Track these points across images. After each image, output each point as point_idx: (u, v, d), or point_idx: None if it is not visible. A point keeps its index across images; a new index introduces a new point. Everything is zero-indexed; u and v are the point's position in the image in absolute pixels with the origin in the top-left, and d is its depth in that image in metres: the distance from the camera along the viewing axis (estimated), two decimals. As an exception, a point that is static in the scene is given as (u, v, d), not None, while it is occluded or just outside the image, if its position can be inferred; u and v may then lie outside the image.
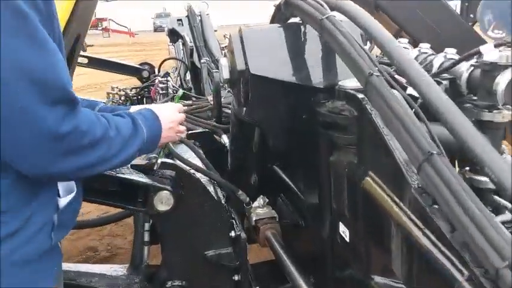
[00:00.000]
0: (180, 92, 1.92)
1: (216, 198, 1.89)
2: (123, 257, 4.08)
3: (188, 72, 4.66)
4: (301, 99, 1.68)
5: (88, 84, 12.31)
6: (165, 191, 1.67)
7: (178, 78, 4.68)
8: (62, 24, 2.38)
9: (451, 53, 1.59)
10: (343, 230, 1.52)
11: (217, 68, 4.03)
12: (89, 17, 3.35)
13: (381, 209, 1.26)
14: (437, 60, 1.58)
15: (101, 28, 36.44)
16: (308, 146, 1.74)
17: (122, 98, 4.64)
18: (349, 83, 1.49)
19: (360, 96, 1.36)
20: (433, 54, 1.70)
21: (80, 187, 1.35)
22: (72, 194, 1.31)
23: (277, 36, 1.71)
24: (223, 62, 1.79)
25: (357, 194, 1.39)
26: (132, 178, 1.65)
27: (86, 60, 4.75)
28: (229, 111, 3.25)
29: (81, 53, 5.71)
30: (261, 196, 2.19)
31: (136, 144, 1.39)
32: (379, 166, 1.30)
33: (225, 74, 1.78)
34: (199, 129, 2.83)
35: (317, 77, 1.67)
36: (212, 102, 3.18)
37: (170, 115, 1.64)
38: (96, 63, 4.88)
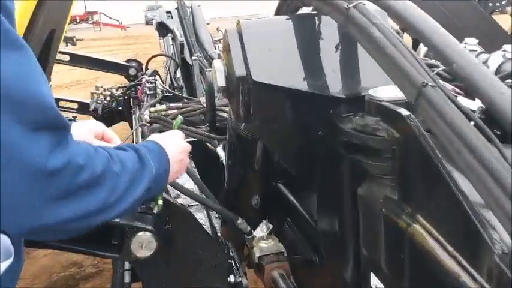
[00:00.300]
0: (179, 119, 1.57)
1: (211, 234, 1.53)
2: (111, 273, 3.74)
3: (179, 69, 4.28)
4: (317, 112, 1.32)
5: (77, 80, 11.87)
6: (146, 233, 1.30)
7: (168, 76, 4.31)
8: (25, 21, 2.06)
9: None
10: (377, 285, 1.16)
11: (210, 66, 3.68)
12: (65, 11, 3.00)
13: (438, 271, 0.91)
14: (494, 61, 1.23)
15: (91, 22, 35.84)
16: (325, 169, 1.38)
17: (107, 98, 4.27)
18: (383, 92, 1.14)
19: (404, 112, 1.00)
20: (483, 52, 1.34)
21: (20, 247, 0.99)
22: (10, 260, 0.95)
23: (285, 32, 1.35)
24: (218, 66, 1.42)
25: (399, 242, 1.03)
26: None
27: (67, 58, 4.36)
28: (225, 115, 2.91)
29: (64, 49, 5.33)
30: (264, 222, 1.84)
31: (145, 182, 1.13)
32: (434, 210, 0.95)
33: (220, 81, 1.41)
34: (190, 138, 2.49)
35: (337, 84, 1.31)
36: (205, 105, 2.84)
37: (178, 145, 1.33)
38: (79, 60, 4.49)
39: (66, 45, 9.59)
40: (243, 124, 1.41)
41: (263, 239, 1.68)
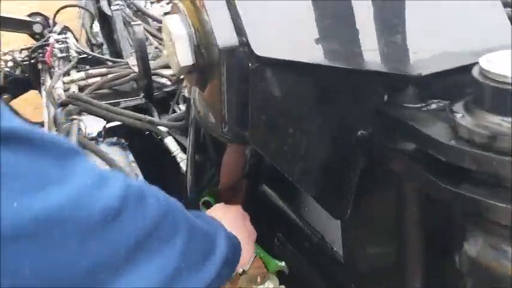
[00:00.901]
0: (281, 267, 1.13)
1: None
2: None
3: (96, 22, 3.53)
4: (358, 101, 0.77)
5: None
6: None
7: (84, 32, 3.54)
8: None
9: None
10: None
11: (136, 16, 2.98)
12: None
13: None
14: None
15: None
16: (374, 195, 0.85)
17: (9, 64, 3.49)
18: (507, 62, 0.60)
19: None
20: None
21: None
22: None
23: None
24: (177, 29, 0.80)
25: None
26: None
27: None
28: (163, 80, 2.31)
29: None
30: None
31: (222, 243, 0.88)
32: None
33: (183, 56, 0.79)
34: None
35: (394, 54, 0.75)
36: (136, 68, 2.21)
37: (238, 216, 1.11)
38: (-34, 19, 3.61)
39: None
40: (230, 123, 0.82)
41: (256, 282, 1.14)
